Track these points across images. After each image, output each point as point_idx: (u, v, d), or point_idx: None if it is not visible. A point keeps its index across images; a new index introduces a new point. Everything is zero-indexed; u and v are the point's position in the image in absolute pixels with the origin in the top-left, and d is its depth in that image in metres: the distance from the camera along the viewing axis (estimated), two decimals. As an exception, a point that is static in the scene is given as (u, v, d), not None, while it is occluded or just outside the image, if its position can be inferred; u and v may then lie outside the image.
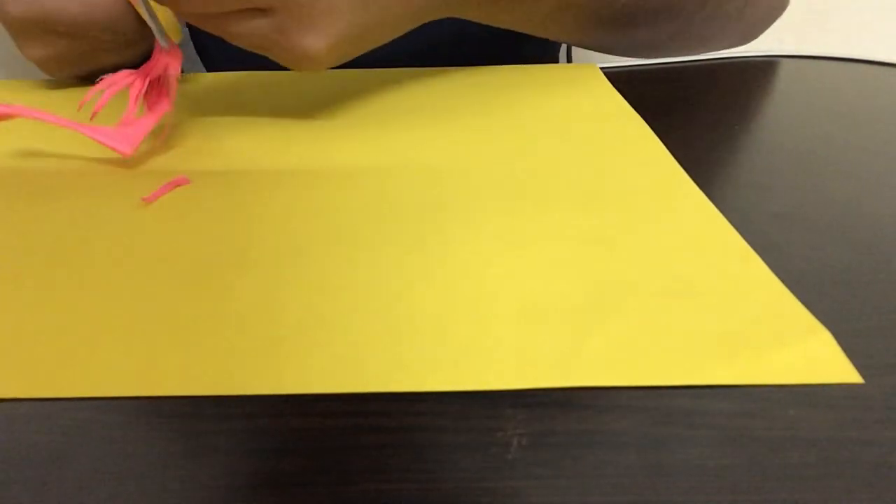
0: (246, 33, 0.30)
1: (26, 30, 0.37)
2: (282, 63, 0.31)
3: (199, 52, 0.57)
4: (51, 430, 0.17)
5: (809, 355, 0.19)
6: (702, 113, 0.37)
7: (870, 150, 0.31)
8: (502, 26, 0.39)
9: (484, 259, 0.23)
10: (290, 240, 0.24)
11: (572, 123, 0.34)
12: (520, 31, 0.40)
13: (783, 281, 0.22)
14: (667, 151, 0.30)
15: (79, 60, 0.40)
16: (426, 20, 0.35)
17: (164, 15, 0.36)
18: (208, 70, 0.57)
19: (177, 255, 0.24)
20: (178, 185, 0.28)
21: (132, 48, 0.41)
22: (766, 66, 0.41)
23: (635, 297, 0.21)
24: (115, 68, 0.39)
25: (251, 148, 0.32)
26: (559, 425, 0.17)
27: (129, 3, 0.37)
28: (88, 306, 0.21)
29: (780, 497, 0.15)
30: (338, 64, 0.32)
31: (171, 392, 0.18)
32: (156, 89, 0.32)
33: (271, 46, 0.30)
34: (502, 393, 0.18)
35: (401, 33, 0.34)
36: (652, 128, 0.33)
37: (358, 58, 0.34)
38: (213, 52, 0.55)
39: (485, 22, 0.38)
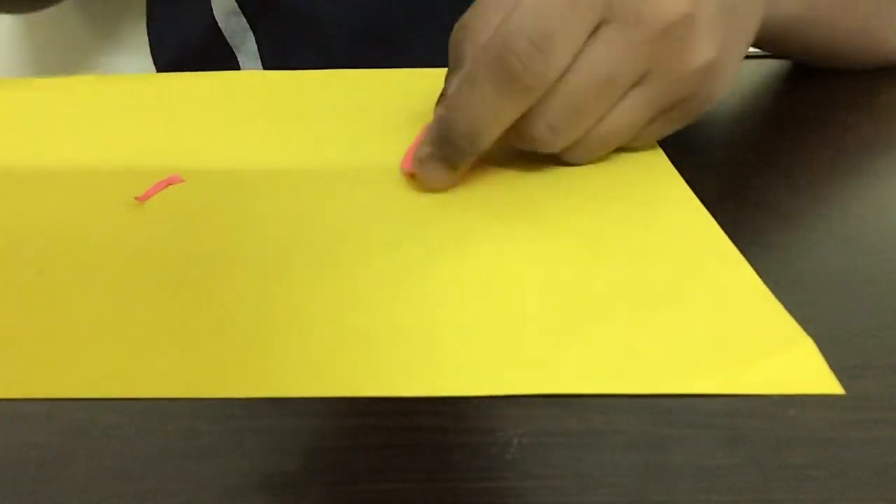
0: (630, 109, 0.26)
1: None
2: (688, 119, 0.28)
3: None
4: (51, 430, 0.17)
5: (791, 365, 0.18)
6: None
7: (870, 149, 0.31)
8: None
9: (472, 262, 0.23)
10: (285, 240, 0.24)
11: None
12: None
13: (783, 282, 0.21)
14: (661, 152, 0.30)
15: None
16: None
17: None
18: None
19: (171, 255, 0.24)
20: (171, 184, 0.28)
21: None
22: (766, 67, 0.41)
23: (621, 303, 0.21)
24: None
25: (245, 147, 0.32)
26: (559, 425, 0.17)
27: None
28: (82, 306, 0.21)
29: (780, 497, 0.15)
30: (736, 70, 0.29)
31: (168, 394, 0.18)
32: None
33: (670, 99, 0.27)
34: (502, 393, 0.18)
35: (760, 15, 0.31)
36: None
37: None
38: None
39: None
